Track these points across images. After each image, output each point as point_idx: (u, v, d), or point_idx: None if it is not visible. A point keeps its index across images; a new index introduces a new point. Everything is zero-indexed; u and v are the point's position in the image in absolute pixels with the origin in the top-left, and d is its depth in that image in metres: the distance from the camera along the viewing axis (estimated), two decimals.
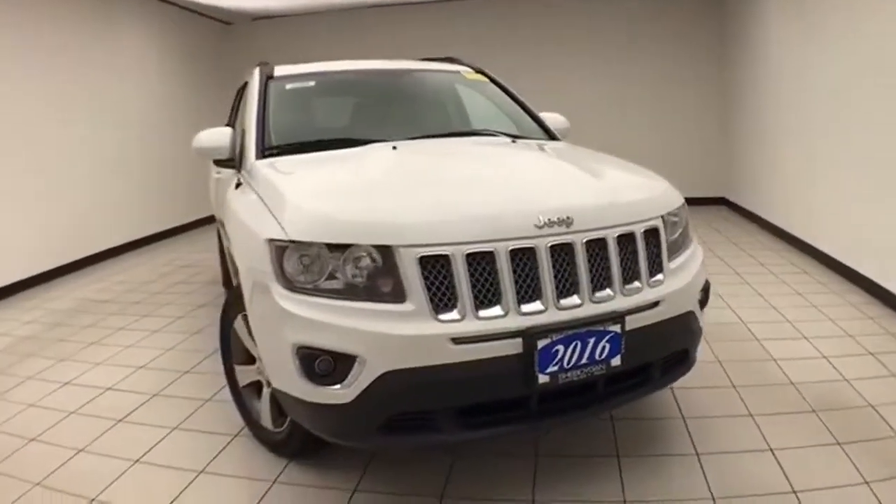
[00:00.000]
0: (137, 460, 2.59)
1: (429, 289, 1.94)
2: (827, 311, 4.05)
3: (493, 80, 3.80)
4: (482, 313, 1.95)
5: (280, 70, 3.48)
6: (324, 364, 1.95)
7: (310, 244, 2.00)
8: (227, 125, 4.88)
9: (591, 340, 2.01)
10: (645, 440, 2.61)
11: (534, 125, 3.54)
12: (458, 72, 3.86)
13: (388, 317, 1.93)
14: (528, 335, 1.95)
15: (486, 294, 1.98)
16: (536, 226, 2.01)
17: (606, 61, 8.25)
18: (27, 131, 5.57)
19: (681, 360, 2.44)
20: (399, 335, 1.90)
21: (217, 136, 3.07)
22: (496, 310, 1.97)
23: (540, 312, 2.00)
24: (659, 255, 2.28)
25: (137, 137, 7.21)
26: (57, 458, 2.63)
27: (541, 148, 3.04)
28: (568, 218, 2.05)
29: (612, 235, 2.12)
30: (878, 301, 4.16)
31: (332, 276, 2.00)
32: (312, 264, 2.01)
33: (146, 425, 2.90)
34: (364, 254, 1.97)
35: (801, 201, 5.65)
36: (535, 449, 2.56)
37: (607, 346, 2.04)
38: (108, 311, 4.79)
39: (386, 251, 1.95)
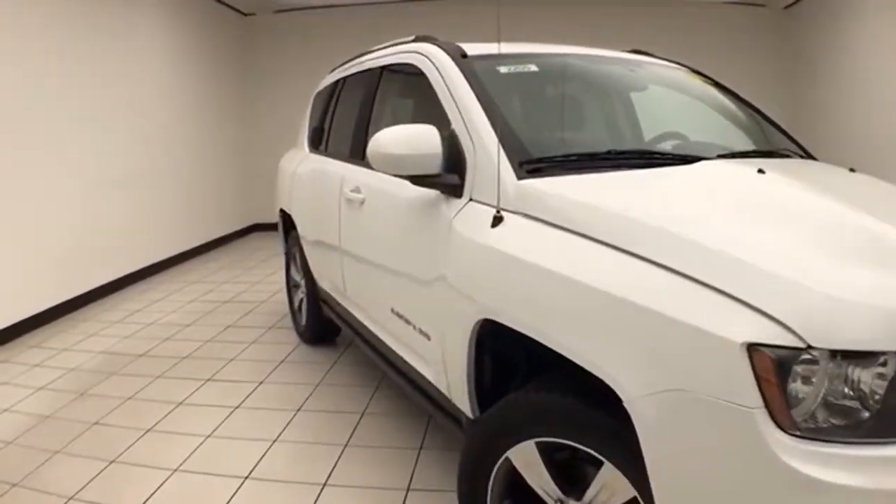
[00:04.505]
0: None
1: None
2: None
3: (716, 84, 2.78)
4: None
5: (470, 49, 2.24)
6: None
7: (835, 353, 1.12)
8: (316, 132, 3.64)
9: None
10: None
11: (787, 141, 2.53)
12: (678, 69, 2.81)
13: None
14: None
15: None
16: None
17: None
18: (9, 138, 4.01)
19: None
20: None
21: (420, 140, 1.83)
22: None
23: None
24: None
25: (143, 144, 5.72)
26: None
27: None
28: None
29: None
30: None
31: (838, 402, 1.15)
32: (826, 386, 1.13)
33: None
34: None
35: None
36: None
37: None
38: (149, 371, 3.35)
39: None
